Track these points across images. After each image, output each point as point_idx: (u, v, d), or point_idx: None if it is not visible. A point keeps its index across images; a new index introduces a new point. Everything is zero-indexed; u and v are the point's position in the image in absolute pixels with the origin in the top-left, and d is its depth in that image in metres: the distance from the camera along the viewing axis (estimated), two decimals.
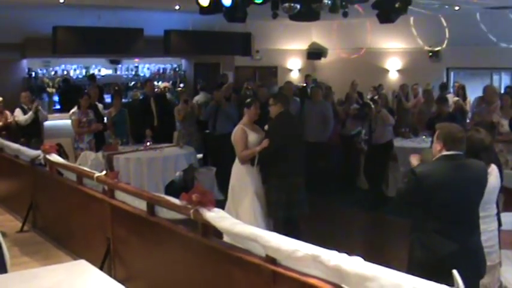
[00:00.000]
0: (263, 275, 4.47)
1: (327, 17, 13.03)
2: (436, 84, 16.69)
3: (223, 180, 12.24)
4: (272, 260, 4.43)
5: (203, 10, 11.53)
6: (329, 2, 11.07)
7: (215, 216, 4.98)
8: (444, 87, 15.89)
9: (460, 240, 4.92)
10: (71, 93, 14.91)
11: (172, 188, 11.14)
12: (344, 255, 3.99)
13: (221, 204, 11.17)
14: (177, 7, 15.11)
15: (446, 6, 14.64)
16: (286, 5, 11.25)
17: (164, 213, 5.89)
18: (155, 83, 17.35)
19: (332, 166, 12.93)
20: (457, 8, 14.99)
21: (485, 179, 5.15)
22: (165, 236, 5.76)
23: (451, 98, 14.40)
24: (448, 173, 4.94)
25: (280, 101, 8.56)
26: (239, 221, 4.96)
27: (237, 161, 8.30)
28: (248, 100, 8.86)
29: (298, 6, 11.28)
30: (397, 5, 11.23)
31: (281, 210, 8.09)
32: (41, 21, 15.26)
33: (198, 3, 11.38)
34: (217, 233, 5.14)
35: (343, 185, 12.94)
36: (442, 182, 4.88)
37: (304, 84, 18.57)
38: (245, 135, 8.14)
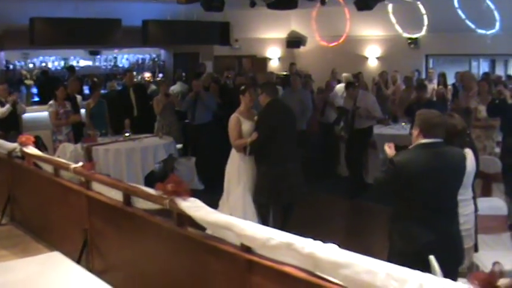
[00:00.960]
0: (238, 264, 4.46)
1: (305, 5, 13.01)
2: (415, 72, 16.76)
3: (203, 170, 12.30)
4: (247, 249, 4.42)
5: None
6: None
7: (190, 205, 4.96)
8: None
9: (440, 228, 4.95)
10: (49, 85, 14.80)
11: (152, 178, 11.10)
12: (318, 242, 3.97)
13: (201, 194, 11.35)
14: None
15: None
16: None
17: (142, 203, 5.86)
18: (134, 73, 17.25)
19: (311, 154, 12.96)
20: None
21: (463, 166, 5.17)
22: (141, 226, 5.73)
23: (432, 85, 14.53)
24: (426, 161, 4.95)
25: (266, 90, 8.64)
26: (214, 210, 4.94)
27: (233, 149, 8.47)
28: (242, 87, 8.97)
29: None
30: None
31: (264, 197, 8.24)
32: (18, 12, 15.08)
33: None
34: (193, 223, 5.12)
35: (322, 172, 12.97)
36: (420, 171, 4.90)
37: (286, 73, 18.60)
38: (239, 124, 8.29)
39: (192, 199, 5.06)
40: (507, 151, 9.84)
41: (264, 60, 21.27)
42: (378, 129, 12.13)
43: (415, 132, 5.11)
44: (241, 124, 8.26)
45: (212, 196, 11.06)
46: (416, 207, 4.94)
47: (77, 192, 6.89)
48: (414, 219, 4.95)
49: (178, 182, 5.18)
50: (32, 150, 8.27)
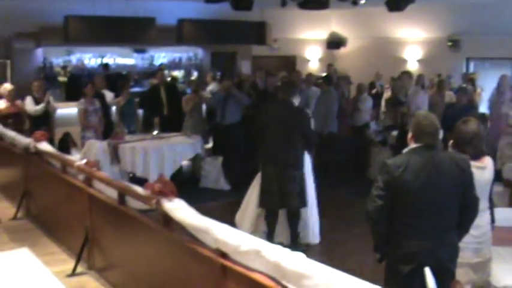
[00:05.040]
0: (214, 268, 4.38)
1: (346, 6, 12.83)
2: (456, 74, 16.45)
3: (230, 171, 12.21)
4: (222, 254, 4.32)
5: None
6: None
7: (173, 206, 4.88)
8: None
9: (428, 235, 4.75)
10: (82, 82, 14.92)
11: (179, 177, 11.10)
12: (286, 250, 3.87)
13: (227, 195, 11.29)
14: None
15: None
16: None
17: (136, 203, 5.80)
18: (166, 71, 17.23)
19: (341, 156, 12.77)
20: None
21: (459, 172, 4.93)
22: (133, 225, 5.71)
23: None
24: (417, 164, 4.77)
25: (281, 89, 8.48)
26: (196, 212, 4.83)
27: None
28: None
29: None
30: None
31: (260, 199, 8.22)
32: (53, 10, 15.32)
33: None
34: (180, 225, 5.04)
35: (353, 175, 12.77)
36: (410, 174, 4.72)
37: (325, 74, 18.40)
38: None
39: (177, 200, 4.98)
40: None
41: (294, 59, 21.01)
42: None
43: (409, 135, 4.94)
44: None
45: (238, 196, 11.06)
46: (404, 212, 4.75)
47: (79, 189, 6.89)
48: (401, 225, 4.76)
49: (165, 183, 5.08)
50: (44, 146, 8.29)
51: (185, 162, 12.07)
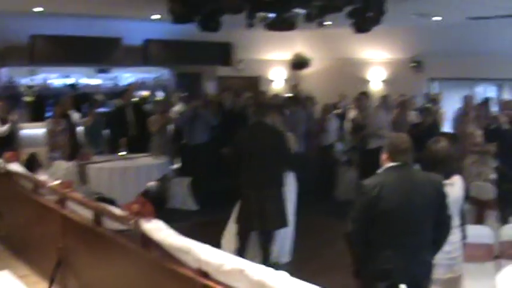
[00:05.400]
0: None
1: (310, 27, 12.94)
2: (419, 95, 16.67)
3: (197, 191, 12.22)
4: (204, 273, 4.34)
5: (176, 19, 11.46)
6: (302, 12, 11.04)
7: (152, 227, 4.89)
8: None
9: (403, 253, 4.84)
10: (48, 102, 14.86)
11: (146, 198, 11.01)
12: (269, 269, 3.91)
13: (195, 215, 11.29)
14: (156, 16, 15.04)
15: (425, 18, 14.59)
16: (260, 14, 11.23)
17: (116, 224, 5.79)
18: (134, 92, 17.19)
19: (309, 177, 12.85)
20: (438, 18, 14.93)
21: (434, 191, 5.03)
22: (110, 246, 5.68)
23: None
24: (392, 182, 4.88)
25: (255, 112, 8.59)
26: (174, 232, 4.85)
27: None
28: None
29: (272, 16, 11.27)
30: (370, 15, 11.18)
31: (237, 222, 8.24)
32: (19, 29, 15.16)
33: (171, 12, 11.32)
34: (158, 245, 5.04)
35: (320, 195, 12.87)
36: (386, 192, 4.81)
37: (290, 95, 18.52)
38: None
39: (155, 220, 4.99)
40: (503, 177, 9.68)
41: (258, 80, 21.12)
42: None
43: (384, 156, 5.03)
44: None
45: (206, 216, 11.08)
46: (379, 230, 4.84)
47: (52, 211, 6.84)
48: (377, 243, 4.86)
49: (143, 203, 5.10)
50: (14, 166, 8.23)
51: (152, 183, 12.03)
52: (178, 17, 11.30)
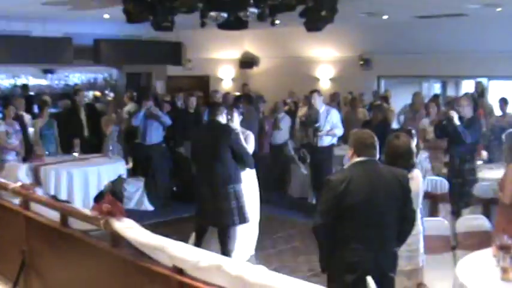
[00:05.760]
0: (171, 286, 4.40)
1: (258, 26, 13.04)
2: (367, 92, 16.92)
3: (152, 192, 12.23)
4: (179, 271, 4.37)
5: (130, 18, 11.45)
6: (256, 11, 11.11)
7: (123, 226, 4.92)
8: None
9: (370, 245, 4.97)
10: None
11: (101, 199, 10.97)
12: (247, 264, 3.97)
13: (150, 216, 11.28)
14: (106, 16, 14.96)
15: (374, 17, 14.84)
16: (213, 13, 11.24)
17: (81, 224, 5.78)
18: (85, 92, 17.09)
19: (262, 175, 12.95)
20: (386, 17, 15.20)
21: (399, 185, 5.17)
22: (78, 247, 5.65)
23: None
24: (360, 178, 5.00)
25: (209, 110, 8.71)
26: (147, 231, 4.89)
27: None
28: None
29: (226, 15, 11.31)
30: (323, 14, 11.30)
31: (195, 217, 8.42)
32: None
33: (125, 12, 11.30)
34: (131, 244, 5.06)
35: (274, 193, 13.01)
36: (353, 187, 4.93)
37: (239, 94, 18.59)
38: None
39: (127, 220, 5.01)
40: (454, 172, 9.92)
41: (208, 79, 21.23)
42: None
43: (350, 152, 5.17)
44: None
45: (161, 217, 11.08)
46: (347, 224, 4.96)
47: (15, 212, 6.79)
48: (345, 236, 4.98)
49: (113, 203, 5.12)
50: None
51: (106, 184, 11.96)
52: (132, 16, 11.29)
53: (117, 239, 5.05)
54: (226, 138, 8.16)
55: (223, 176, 8.12)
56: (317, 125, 11.41)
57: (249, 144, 8.79)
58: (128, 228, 4.88)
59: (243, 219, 8.29)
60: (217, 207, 8.07)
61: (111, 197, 5.33)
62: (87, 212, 5.46)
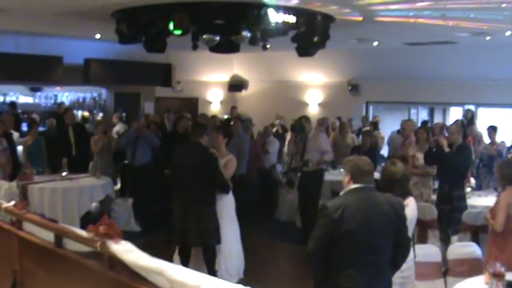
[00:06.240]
0: None
1: (248, 50, 13.11)
2: (356, 117, 17.01)
3: (140, 212, 12.18)
4: None
5: (122, 39, 11.49)
6: (248, 35, 11.18)
7: (121, 248, 4.88)
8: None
9: (365, 271, 4.98)
10: None
11: (88, 219, 10.93)
12: None
13: (137, 237, 11.22)
14: (97, 36, 14.99)
15: (364, 43, 14.95)
16: (206, 36, 11.33)
17: (73, 245, 5.73)
18: (74, 111, 17.05)
19: (250, 198, 12.96)
20: (376, 43, 15.32)
21: (394, 213, 5.18)
22: (73, 268, 5.59)
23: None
24: (355, 205, 5.00)
25: (191, 131, 9.07)
26: (145, 254, 4.86)
27: None
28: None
29: (218, 38, 11.38)
30: (315, 40, 11.39)
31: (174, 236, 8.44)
32: None
33: (117, 32, 11.33)
34: (126, 266, 5.03)
35: (262, 216, 13.01)
36: (348, 214, 4.93)
37: (227, 116, 18.64)
38: None
39: (124, 242, 4.98)
40: (443, 198, 9.97)
41: (196, 101, 21.32)
42: None
43: (346, 178, 5.17)
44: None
45: (149, 238, 11.03)
46: (342, 250, 4.96)
47: (7, 232, 6.72)
48: (340, 262, 4.98)
49: (111, 224, 5.09)
50: None
51: (94, 204, 11.92)
52: (125, 37, 11.33)
53: (114, 262, 5.01)
54: (203, 162, 8.23)
55: (196, 197, 8.21)
56: (305, 158, 11.38)
57: (229, 168, 8.73)
58: (126, 251, 4.85)
59: (216, 240, 8.40)
60: (186, 226, 8.14)
61: (108, 218, 5.29)
62: (83, 233, 5.41)
